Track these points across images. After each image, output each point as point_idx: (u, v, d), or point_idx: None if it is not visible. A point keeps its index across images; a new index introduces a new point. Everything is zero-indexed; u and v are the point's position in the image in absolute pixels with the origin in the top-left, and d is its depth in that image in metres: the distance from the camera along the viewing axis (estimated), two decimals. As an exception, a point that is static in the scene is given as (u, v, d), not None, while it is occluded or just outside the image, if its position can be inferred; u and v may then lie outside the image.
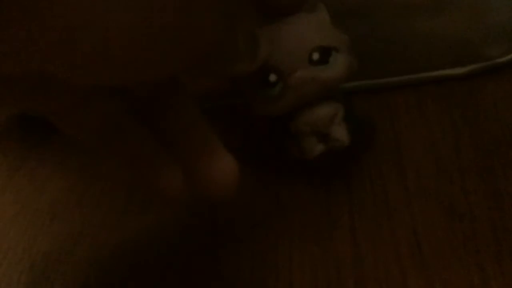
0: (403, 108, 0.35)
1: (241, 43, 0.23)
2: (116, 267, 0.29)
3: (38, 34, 0.14)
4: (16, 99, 0.19)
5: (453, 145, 0.32)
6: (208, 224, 0.31)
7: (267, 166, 0.33)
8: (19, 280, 0.30)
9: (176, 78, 0.22)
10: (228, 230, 0.30)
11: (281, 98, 0.27)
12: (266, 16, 0.27)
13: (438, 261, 0.26)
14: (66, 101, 0.20)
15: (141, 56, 0.17)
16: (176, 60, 0.18)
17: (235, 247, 0.29)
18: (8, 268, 0.30)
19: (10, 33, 0.14)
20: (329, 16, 0.28)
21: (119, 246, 0.31)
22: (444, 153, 0.31)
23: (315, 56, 0.26)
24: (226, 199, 0.23)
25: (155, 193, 0.23)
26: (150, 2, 0.15)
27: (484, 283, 0.25)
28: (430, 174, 0.30)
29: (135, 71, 0.17)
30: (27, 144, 0.39)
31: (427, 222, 0.28)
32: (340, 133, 0.28)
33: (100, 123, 0.22)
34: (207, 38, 0.18)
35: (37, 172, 0.36)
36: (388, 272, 0.26)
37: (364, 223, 0.29)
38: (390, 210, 0.29)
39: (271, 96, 0.27)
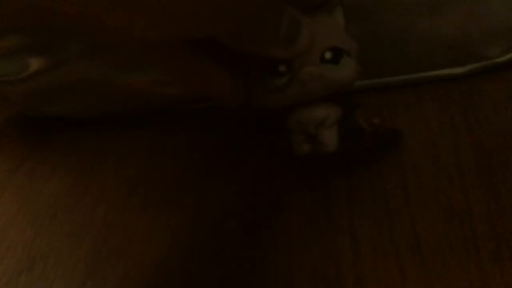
0: (402, 108, 0.35)
1: (283, 28, 0.24)
2: (116, 267, 0.29)
3: None
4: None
5: (453, 145, 0.32)
6: (208, 224, 0.31)
7: (267, 166, 0.33)
8: (18, 280, 0.30)
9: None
10: (228, 230, 0.30)
11: (285, 89, 0.27)
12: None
13: (438, 261, 0.26)
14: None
15: (203, 16, 0.20)
16: (228, 21, 0.21)
17: (235, 247, 0.29)
18: (7, 268, 0.30)
19: None
20: (344, 21, 0.28)
21: (119, 246, 0.31)
22: (444, 153, 0.31)
23: (328, 55, 0.26)
24: None
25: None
26: None
27: (484, 283, 0.25)
28: (429, 174, 0.30)
29: (196, 28, 0.21)
30: (27, 144, 0.39)
31: (427, 222, 0.28)
32: (327, 138, 0.28)
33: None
34: (250, 9, 0.22)
35: (37, 172, 0.36)
36: (388, 272, 0.26)
37: (364, 223, 0.29)
38: (390, 210, 0.29)
39: (276, 86, 0.27)
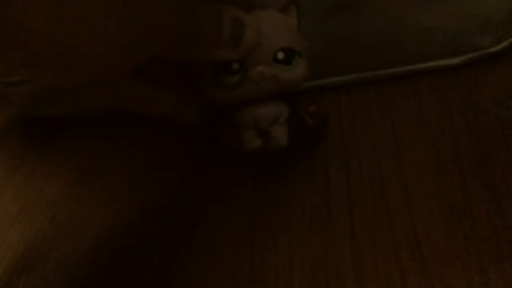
0: (400, 101, 0.35)
1: (226, 30, 0.23)
2: (116, 267, 0.29)
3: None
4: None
5: (453, 145, 0.32)
6: (208, 224, 0.31)
7: (267, 166, 0.33)
8: (18, 280, 0.30)
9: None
10: (228, 230, 0.30)
11: (237, 88, 0.27)
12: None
13: (438, 261, 0.26)
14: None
15: (100, 55, 0.19)
16: (134, 52, 0.20)
17: (235, 247, 0.29)
18: (7, 268, 0.30)
19: None
20: (297, 20, 0.28)
21: (119, 247, 0.31)
22: (444, 153, 0.31)
23: (280, 55, 0.26)
24: None
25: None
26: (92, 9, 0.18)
27: (484, 283, 0.25)
28: (430, 174, 0.30)
29: (98, 68, 0.20)
30: (27, 144, 0.39)
31: (427, 222, 0.28)
32: (280, 134, 0.29)
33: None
34: (161, 30, 0.20)
35: (37, 172, 0.36)
36: (388, 272, 0.26)
37: (364, 223, 0.29)
38: (390, 210, 0.29)
39: (228, 84, 0.27)
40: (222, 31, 0.23)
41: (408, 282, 0.26)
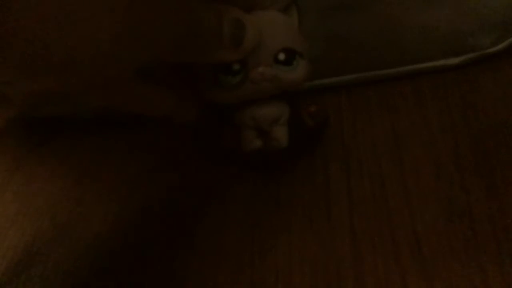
0: (400, 101, 0.35)
1: (227, 31, 0.23)
2: (116, 267, 0.29)
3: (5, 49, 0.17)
4: None
5: (453, 145, 0.32)
6: (209, 227, 0.31)
7: (267, 166, 0.33)
8: (18, 280, 0.30)
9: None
10: (227, 230, 0.30)
11: (238, 88, 0.27)
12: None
13: (438, 261, 0.26)
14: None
15: (100, 61, 0.19)
16: (135, 57, 0.20)
17: (235, 247, 0.29)
18: (8, 268, 0.30)
19: None
20: (298, 21, 0.28)
21: (119, 247, 0.31)
22: (444, 153, 0.31)
23: (281, 56, 0.26)
24: None
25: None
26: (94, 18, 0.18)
27: (484, 283, 0.25)
28: (430, 174, 0.30)
29: (98, 71, 0.20)
30: (27, 144, 0.39)
31: (427, 222, 0.28)
32: (281, 134, 0.29)
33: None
34: (162, 34, 0.20)
35: (37, 172, 0.36)
36: (388, 272, 0.26)
37: (364, 223, 0.29)
38: (390, 210, 0.29)
39: (229, 85, 0.27)
40: (222, 33, 0.23)
41: (408, 282, 0.26)
